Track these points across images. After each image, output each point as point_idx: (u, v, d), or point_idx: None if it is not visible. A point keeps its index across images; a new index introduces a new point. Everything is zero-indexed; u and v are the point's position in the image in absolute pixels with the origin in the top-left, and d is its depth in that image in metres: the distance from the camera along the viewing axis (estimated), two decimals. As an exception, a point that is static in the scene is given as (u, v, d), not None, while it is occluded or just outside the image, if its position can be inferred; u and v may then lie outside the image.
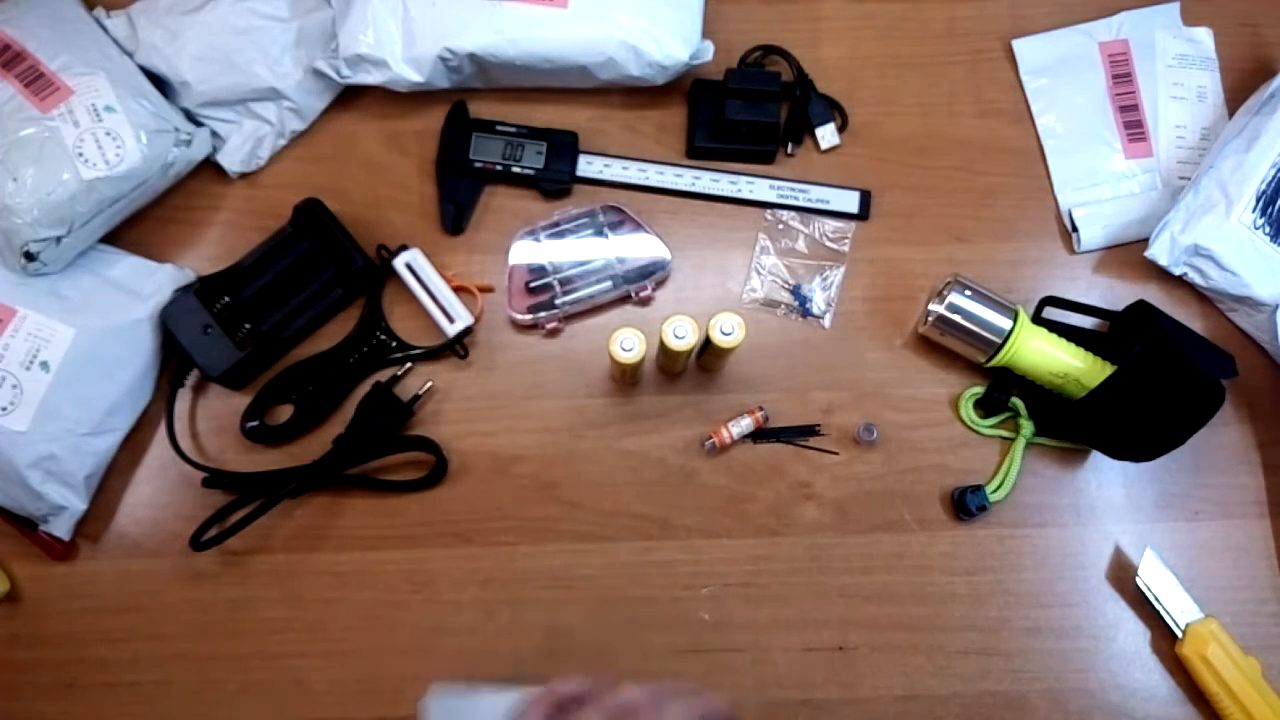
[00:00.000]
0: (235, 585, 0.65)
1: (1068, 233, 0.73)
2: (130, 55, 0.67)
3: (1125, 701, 0.65)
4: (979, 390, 0.69)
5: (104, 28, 0.68)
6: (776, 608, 0.66)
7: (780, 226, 0.72)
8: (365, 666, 0.64)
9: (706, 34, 0.71)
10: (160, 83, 0.68)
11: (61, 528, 0.63)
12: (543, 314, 0.68)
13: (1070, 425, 0.66)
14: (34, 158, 0.61)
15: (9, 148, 0.61)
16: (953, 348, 0.68)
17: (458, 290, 0.68)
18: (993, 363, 0.66)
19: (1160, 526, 0.68)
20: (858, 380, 0.70)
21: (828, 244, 0.72)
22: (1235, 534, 0.68)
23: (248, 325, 0.65)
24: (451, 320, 0.67)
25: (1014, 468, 0.67)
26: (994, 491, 0.67)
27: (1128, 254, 0.72)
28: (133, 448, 0.67)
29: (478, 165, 0.70)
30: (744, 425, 0.67)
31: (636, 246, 0.70)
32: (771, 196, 0.72)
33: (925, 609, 0.66)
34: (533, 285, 0.69)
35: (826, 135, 0.73)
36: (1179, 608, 0.64)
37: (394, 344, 0.68)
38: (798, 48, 0.73)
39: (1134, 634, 0.66)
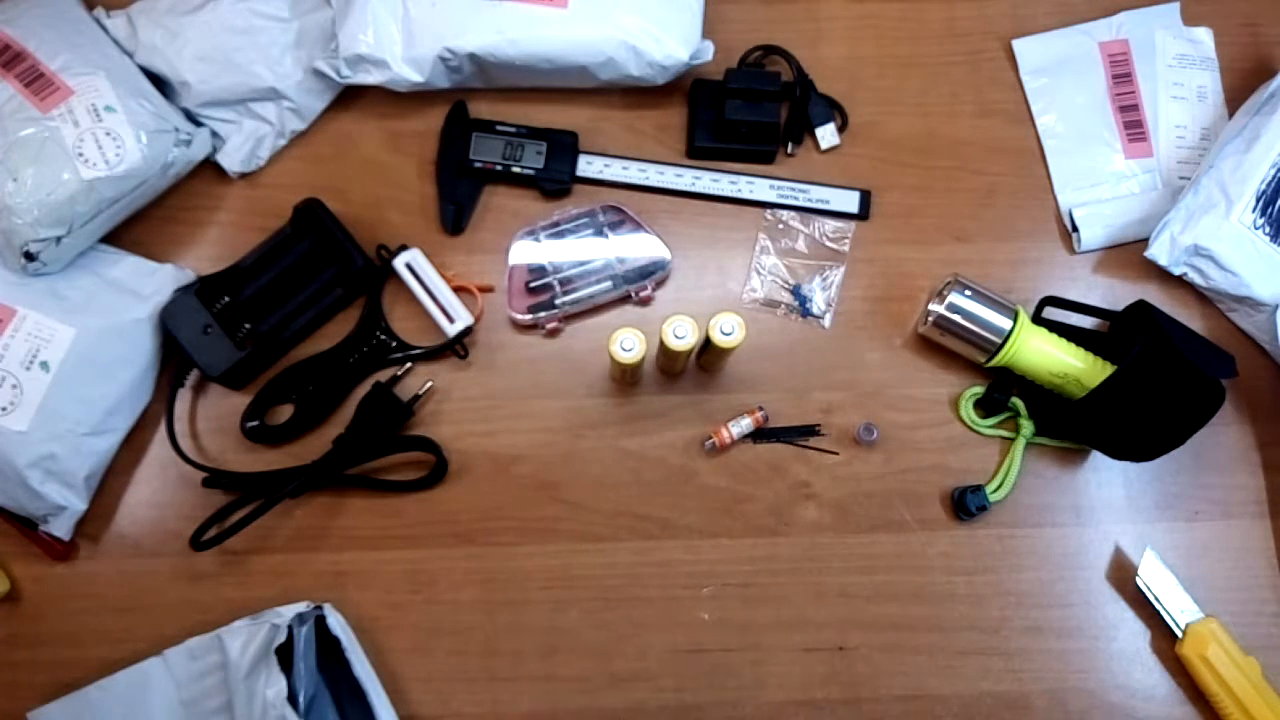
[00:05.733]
0: (235, 585, 0.65)
1: (1068, 233, 0.73)
2: (130, 55, 0.67)
3: (1125, 701, 0.65)
4: (979, 390, 0.69)
5: (104, 28, 0.68)
6: (776, 608, 0.66)
7: (780, 226, 0.72)
8: (365, 666, 0.64)
9: (706, 34, 0.71)
10: (160, 83, 0.68)
11: (61, 528, 0.63)
12: (543, 314, 0.68)
13: (1070, 425, 0.66)
14: (34, 158, 0.61)
15: (9, 148, 0.61)
16: (953, 348, 0.68)
17: (458, 290, 0.68)
18: (993, 363, 0.66)
19: (1160, 526, 0.68)
20: (858, 380, 0.70)
21: (828, 244, 0.72)
22: (1235, 534, 0.68)
23: (248, 325, 0.65)
24: (451, 320, 0.67)
25: (1014, 468, 0.67)
26: (994, 491, 0.67)
27: (1128, 254, 0.72)
28: (133, 448, 0.66)
29: (478, 165, 0.70)
30: (744, 425, 0.67)
31: (636, 246, 0.70)
32: (771, 196, 0.72)
33: (925, 609, 0.66)
34: (533, 285, 0.69)
35: (826, 135, 0.73)
36: (1179, 608, 0.64)
37: (394, 344, 0.68)
38: (798, 48, 0.73)
39: (1134, 634, 0.66)
